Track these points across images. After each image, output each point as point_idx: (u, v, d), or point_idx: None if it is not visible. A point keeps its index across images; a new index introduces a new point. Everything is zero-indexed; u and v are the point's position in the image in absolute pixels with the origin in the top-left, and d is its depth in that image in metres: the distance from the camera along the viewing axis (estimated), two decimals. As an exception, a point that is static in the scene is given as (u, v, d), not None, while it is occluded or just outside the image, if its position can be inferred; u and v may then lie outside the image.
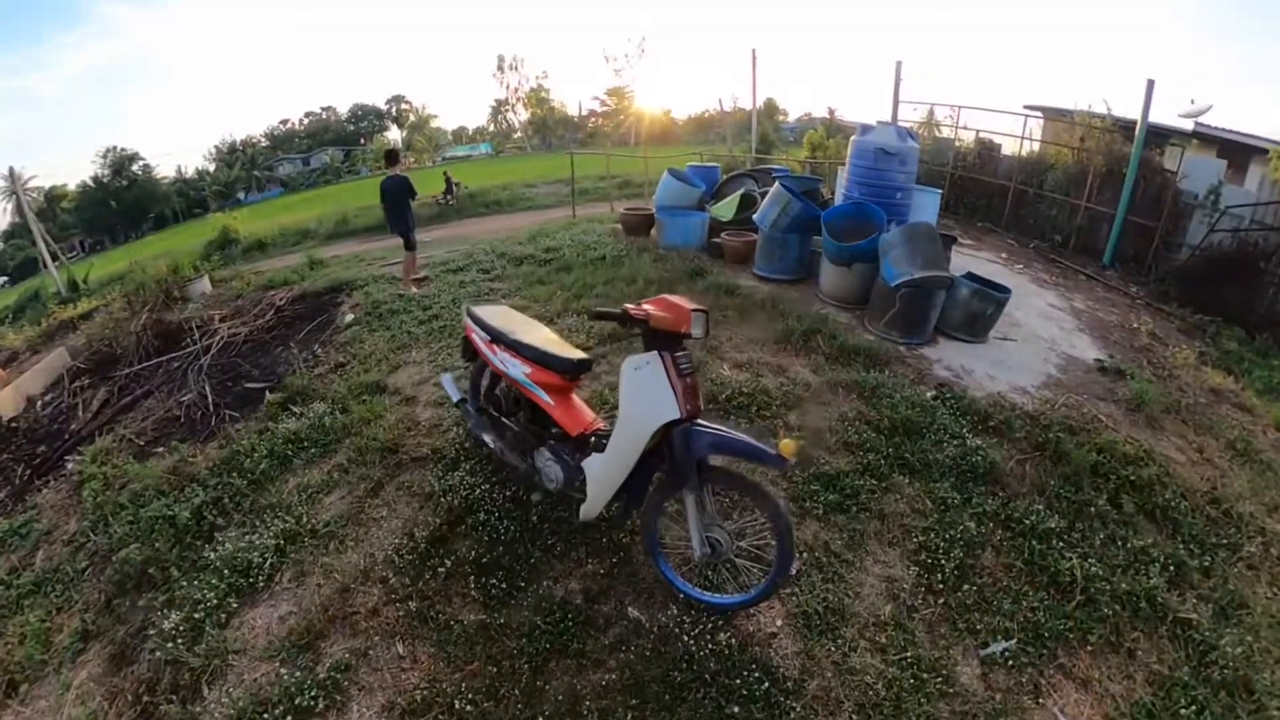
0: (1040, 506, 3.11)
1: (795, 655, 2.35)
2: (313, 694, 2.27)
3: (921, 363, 4.54)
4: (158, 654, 2.60)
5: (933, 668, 2.32)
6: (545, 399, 2.75)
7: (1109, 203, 8.56)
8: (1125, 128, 9.04)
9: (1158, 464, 3.52)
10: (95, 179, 47.76)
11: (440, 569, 2.73)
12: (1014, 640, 2.45)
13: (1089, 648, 2.47)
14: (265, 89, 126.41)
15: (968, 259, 7.49)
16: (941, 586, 2.65)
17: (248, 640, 2.60)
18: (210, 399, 5.15)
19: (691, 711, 2.15)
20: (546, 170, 24.39)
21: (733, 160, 16.23)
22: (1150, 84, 7.91)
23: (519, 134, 60.22)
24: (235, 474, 3.66)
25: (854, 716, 2.15)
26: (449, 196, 18.26)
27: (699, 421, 2.29)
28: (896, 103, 10.56)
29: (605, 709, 2.17)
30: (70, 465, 4.76)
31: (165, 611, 2.80)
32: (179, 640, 2.61)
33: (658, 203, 7.69)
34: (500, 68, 58.46)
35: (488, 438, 3.10)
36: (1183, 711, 2.24)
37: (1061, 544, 2.90)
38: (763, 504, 2.29)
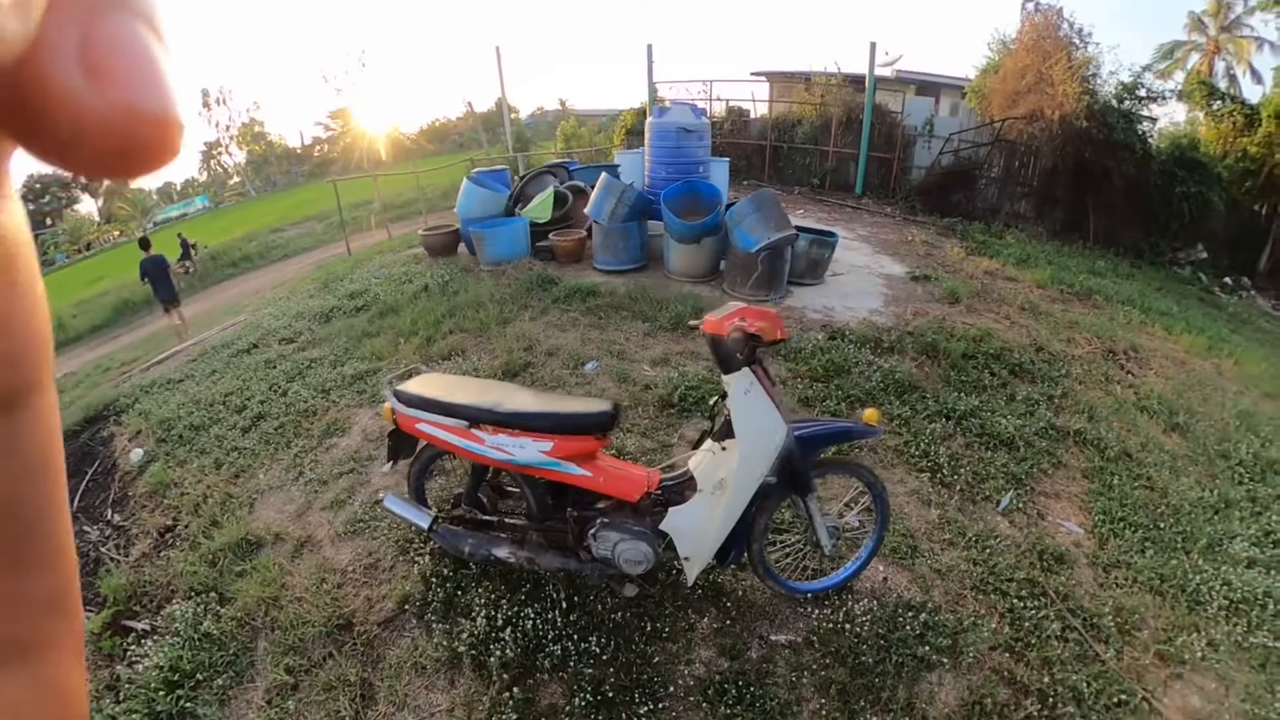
0: (956, 394, 3.50)
1: (910, 583, 2.35)
2: None
3: (794, 313, 4.61)
4: None
5: (986, 535, 2.59)
6: (580, 473, 1.93)
7: (852, 144, 9.62)
8: (853, 82, 10.09)
9: (996, 337, 3.94)
10: None
11: None
12: (1012, 491, 2.86)
13: (1047, 474, 3.04)
14: None
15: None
16: (950, 478, 2.88)
17: None
18: None
19: (894, 677, 1.98)
20: (285, 211, 19.93)
21: (495, 162, 14.80)
22: (873, 45, 8.90)
23: (237, 178, 48.04)
24: None
25: (974, 594, 2.31)
26: (186, 263, 13.80)
27: (793, 424, 1.95)
28: (651, 84, 10.32)
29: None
30: None
31: None
32: None
33: (463, 216, 6.45)
34: (206, 104, 44.86)
35: (502, 553, 2.10)
36: (1109, 482, 2.99)
37: (987, 413, 3.36)
38: (860, 475, 2.14)
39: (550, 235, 6.05)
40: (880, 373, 3.60)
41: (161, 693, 2.17)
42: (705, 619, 2.17)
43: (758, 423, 1.86)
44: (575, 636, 2.07)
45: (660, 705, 1.89)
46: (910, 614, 2.16)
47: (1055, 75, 8.56)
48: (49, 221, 40.01)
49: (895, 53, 13.80)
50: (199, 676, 2.25)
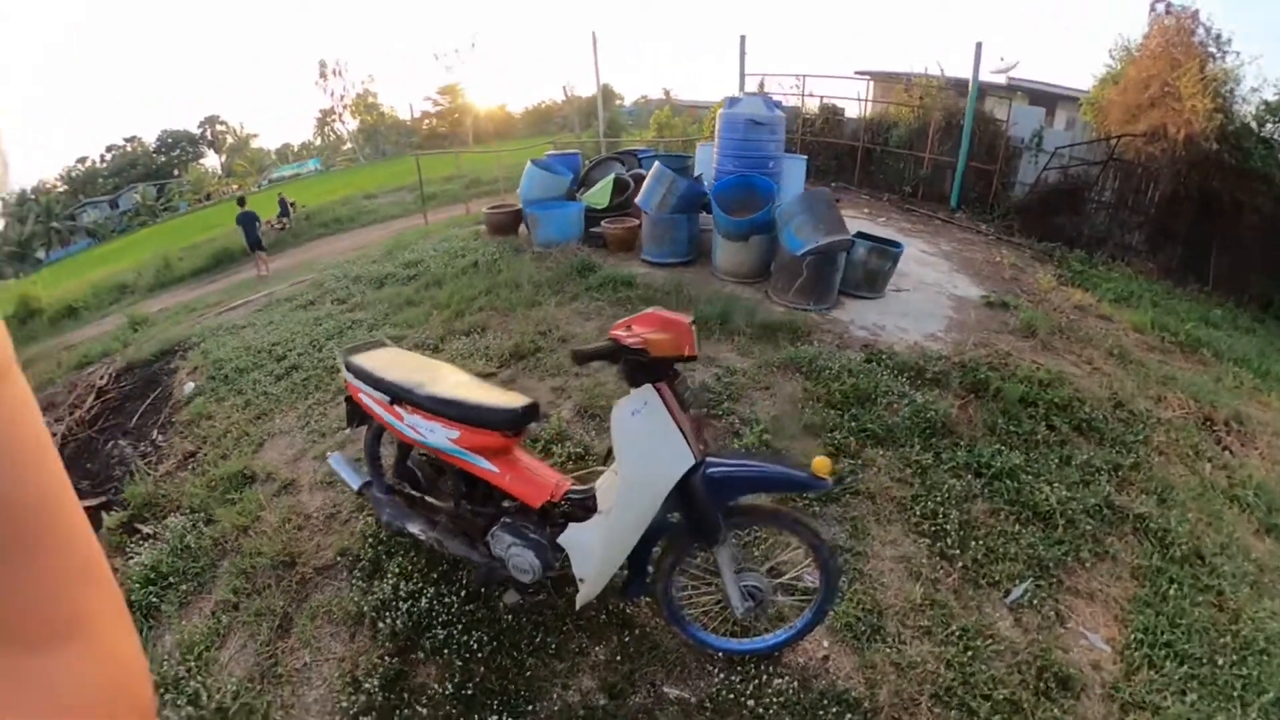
0: (998, 446, 3.21)
1: (855, 670, 2.15)
2: None
3: (838, 327, 4.51)
4: None
5: (977, 632, 2.29)
6: (487, 467, 2.05)
7: (950, 152, 9.33)
8: (956, 85, 9.83)
9: (1069, 384, 3.70)
10: None
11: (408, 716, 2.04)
12: (1029, 580, 2.52)
13: (1084, 564, 2.65)
14: (52, 125, 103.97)
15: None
16: (953, 550, 2.61)
17: None
18: None
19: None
20: (384, 179, 22.27)
21: (585, 147, 15.65)
22: (979, 46, 8.64)
23: (349, 145, 54.51)
24: None
25: (932, 705, 2.04)
26: (284, 220, 16.01)
27: (710, 460, 1.83)
28: (743, 76, 10.57)
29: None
30: None
31: None
32: None
33: (524, 197, 7.01)
34: (323, 74, 51.98)
35: (415, 529, 2.33)
36: (1164, 589, 2.54)
37: (1028, 476, 3.03)
38: (799, 532, 1.94)
39: (603, 222, 6.41)
40: (911, 408, 3.42)
41: (139, 586, 2.76)
42: (600, 647, 2.19)
43: (644, 450, 1.76)
44: (461, 626, 2.28)
45: (521, 710, 2.01)
46: (837, 711, 1.97)
47: (1183, 88, 7.64)
48: (175, 172, 48.03)
49: (1011, 59, 13.00)
50: (171, 580, 2.82)
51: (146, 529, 3.29)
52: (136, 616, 2.66)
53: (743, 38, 10.58)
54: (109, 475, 4.30)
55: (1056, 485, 2.99)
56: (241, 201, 12.12)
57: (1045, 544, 2.68)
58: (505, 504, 2.16)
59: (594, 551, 1.88)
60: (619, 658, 2.15)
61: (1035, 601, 2.44)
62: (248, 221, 11.33)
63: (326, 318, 6.07)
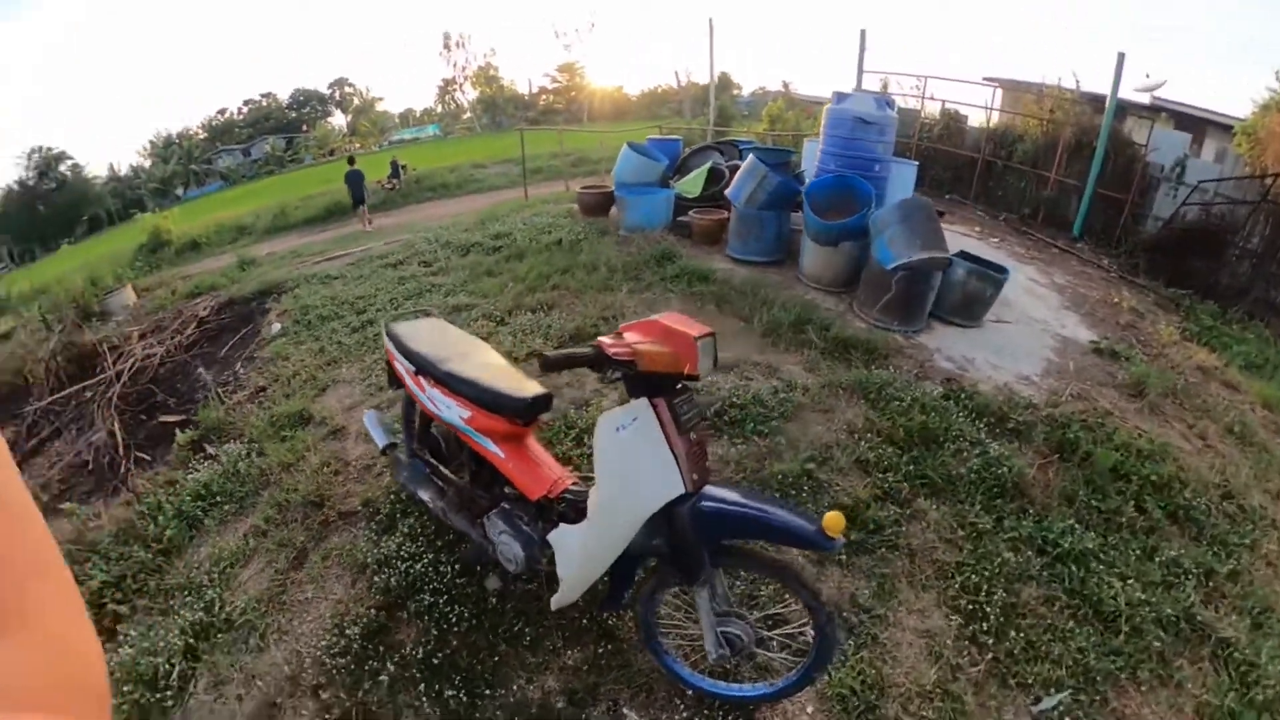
0: (1072, 522, 2.78)
1: None
2: None
3: (921, 353, 4.16)
4: None
5: None
6: (494, 450, 2.09)
7: (1078, 175, 8.50)
8: (1092, 100, 8.96)
9: (1173, 459, 3.26)
10: (20, 183, 44.01)
11: (383, 675, 2.14)
12: (1067, 691, 2.13)
13: (1140, 685, 2.22)
14: (200, 78, 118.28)
15: (945, 234, 7.23)
16: (986, 637, 2.26)
17: None
18: (120, 439, 4.46)
19: None
20: (496, 150, 23.31)
21: (692, 134, 15.59)
22: (1121, 56, 7.78)
23: (468, 114, 58.07)
24: (140, 544, 2.95)
25: None
26: (394, 181, 17.24)
27: (711, 491, 1.69)
28: (861, 72, 10.16)
29: None
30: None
31: None
32: None
33: (617, 179, 7.10)
34: (447, 45, 55.98)
35: (425, 496, 2.44)
36: None
37: (1100, 565, 2.61)
38: (796, 590, 1.75)
39: (691, 212, 6.36)
40: (982, 459, 3.04)
41: (190, 499, 3.15)
42: (574, 652, 2.18)
43: (625, 470, 1.67)
44: (448, 597, 2.36)
45: (470, 699, 2.04)
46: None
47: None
48: (304, 128, 53.42)
49: (1157, 77, 11.34)
50: (218, 499, 3.18)
51: (210, 449, 3.67)
52: (181, 526, 3.02)
53: (863, 32, 10.17)
54: (191, 397, 4.81)
55: (1131, 582, 2.52)
56: (351, 160, 13.36)
57: (1099, 651, 2.26)
58: (507, 490, 2.20)
59: (574, 557, 1.85)
60: (588, 667, 2.13)
61: (1067, 717, 2.06)
62: (355, 179, 12.78)
63: (410, 278, 6.48)
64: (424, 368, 2.26)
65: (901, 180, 5.90)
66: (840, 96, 5.52)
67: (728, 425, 3.30)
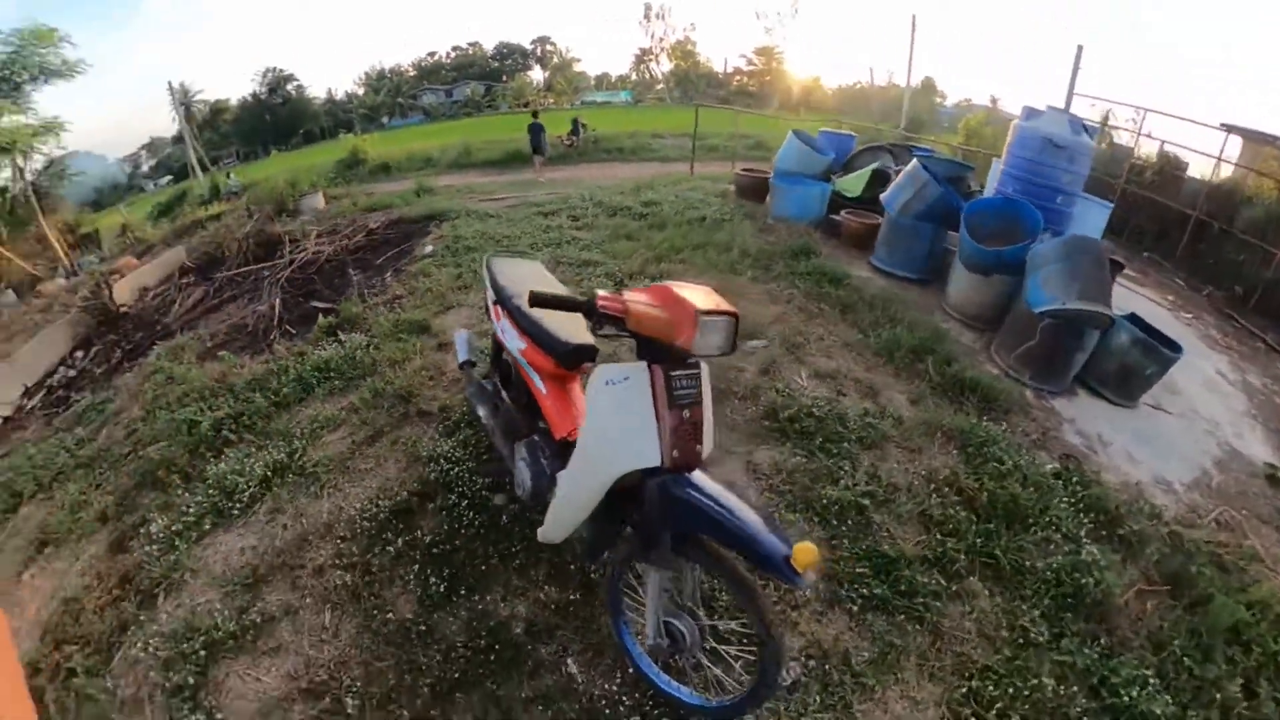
0: (1150, 673, 2.30)
1: None
2: (232, 637, 2.32)
3: (1049, 419, 3.72)
4: (138, 553, 2.83)
5: None
6: (539, 385, 2.37)
7: None
8: None
9: None
10: (254, 95, 53.79)
11: (391, 547, 2.60)
12: None
13: None
14: (416, 21, 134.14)
15: (1128, 294, 6.26)
16: None
17: (208, 563, 2.70)
18: (277, 313, 5.39)
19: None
20: (681, 123, 23.80)
21: (875, 134, 14.86)
22: None
23: (661, 85, 59.92)
24: (261, 393, 3.82)
25: None
26: (573, 138, 18.39)
27: (694, 477, 1.69)
28: (1071, 94, 9.11)
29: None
30: (151, 355, 5.17)
31: (158, 515, 3.02)
32: (155, 546, 2.81)
33: (777, 166, 7.10)
34: (647, 15, 58.23)
35: (481, 412, 2.80)
36: None
37: None
38: (751, 614, 1.69)
39: (844, 211, 6.21)
40: (1068, 560, 2.63)
41: (310, 370, 3.96)
42: (552, 589, 2.39)
43: (605, 426, 1.73)
44: (469, 502, 2.75)
45: (447, 592, 2.38)
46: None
47: None
48: (504, 78, 58.67)
49: None
50: (331, 375, 3.96)
51: (341, 336, 4.42)
52: (297, 388, 3.83)
53: (1079, 48, 9.07)
54: (342, 291, 5.67)
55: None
56: (535, 114, 15.65)
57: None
58: (541, 425, 2.45)
59: (561, 498, 2.00)
60: (556, 608, 2.33)
61: None
62: (536, 131, 14.87)
63: (555, 228, 7.05)
64: (501, 299, 2.59)
65: (1089, 221, 5.16)
66: (1031, 113, 5.01)
67: (797, 434, 3.24)
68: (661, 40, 59.06)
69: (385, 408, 3.52)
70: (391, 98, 55.67)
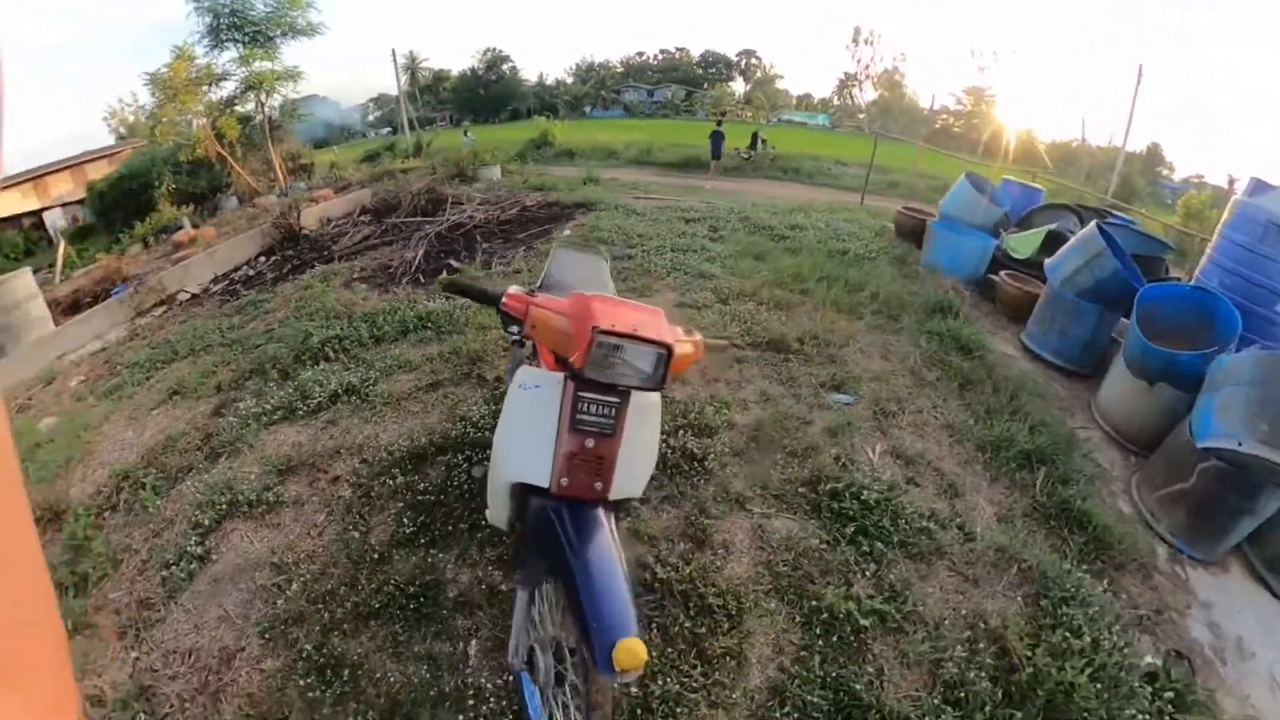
0: None
1: None
2: (249, 504, 2.78)
3: (1176, 594, 2.76)
4: (224, 421, 3.51)
5: None
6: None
7: None
8: None
9: None
10: (472, 70, 60.55)
11: (392, 481, 2.80)
12: None
13: None
14: (631, 19, 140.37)
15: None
16: None
17: (264, 445, 3.22)
18: (416, 262, 5.82)
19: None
20: (867, 153, 23.04)
21: (1075, 197, 12.98)
22: None
23: (862, 114, 57.53)
24: (368, 325, 4.29)
25: None
26: (750, 152, 18.21)
27: (581, 512, 1.53)
28: None
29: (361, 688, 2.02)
30: (309, 273, 5.84)
31: (251, 399, 3.65)
32: (236, 420, 3.46)
33: (941, 209, 6.42)
34: (855, 39, 56.07)
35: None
36: None
37: None
38: (588, 691, 1.47)
39: (1003, 272, 5.43)
40: None
41: (414, 318, 4.38)
42: (496, 575, 2.36)
43: (509, 429, 1.59)
44: (470, 463, 2.87)
45: (412, 536, 2.50)
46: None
47: None
48: (704, 85, 59.38)
49: None
50: (428, 326, 4.36)
51: (452, 295, 4.64)
52: (397, 330, 4.23)
53: None
54: (472, 255, 5.97)
55: None
56: (718, 122, 16.62)
57: None
58: None
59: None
60: (490, 591, 2.30)
61: None
62: (716, 138, 15.92)
63: (690, 235, 6.97)
64: (541, 285, 2.60)
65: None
66: (1260, 187, 3.94)
67: (831, 514, 2.69)
68: (867, 67, 56.74)
69: (455, 364, 3.75)
70: (596, 89, 59.10)
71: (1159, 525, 3.07)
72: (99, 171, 20.87)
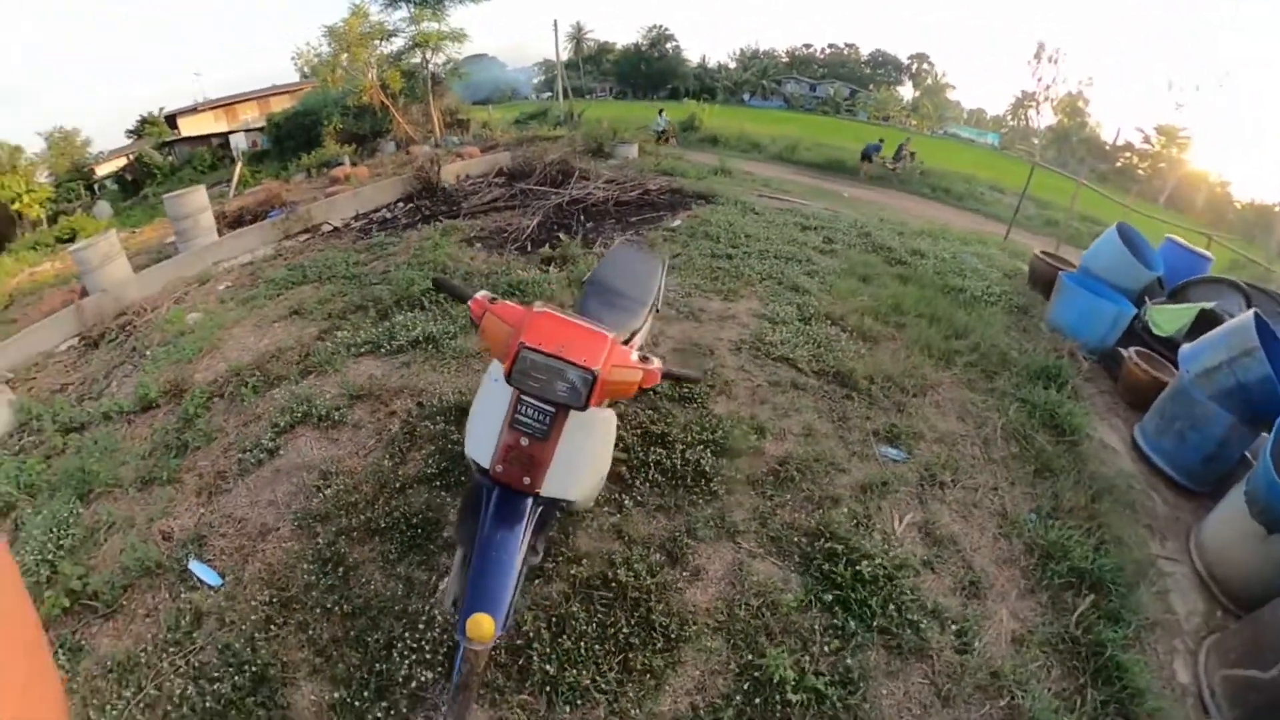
0: None
1: None
2: (319, 418, 3.25)
3: None
4: (324, 344, 4.04)
5: None
6: None
7: None
8: None
9: None
10: (636, 45, 59.90)
11: (434, 427, 3.12)
12: None
13: None
14: (798, 10, 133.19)
15: None
16: None
17: (348, 371, 3.70)
18: (528, 231, 6.02)
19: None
20: (1038, 184, 21.00)
21: (1260, 274, 10.76)
22: None
23: (1036, 140, 51.22)
24: (463, 282, 4.64)
25: None
26: (896, 164, 17.04)
27: (510, 499, 1.70)
28: None
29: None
30: (434, 225, 6.24)
31: (349, 329, 4.17)
32: (331, 345, 3.98)
33: (1082, 262, 5.64)
34: (1037, 56, 49.20)
35: None
36: None
37: None
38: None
39: (1133, 348, 4.67)
40: None
41: (504, 282, 4.78)
42: None
43: (475, 409, 1.79)
44: None
45: (409, 505, 2.68)
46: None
47: None
48: (870, 86, 55.58)
49: None
50: (516, 291, 4.64)
51: (547, 268, 5.10)
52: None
53: None
54: (584, 230, 6.13)
55: None
56: (878, 138, 17.33)
57: None
58: None
59: None
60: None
61: None
62: (870, 149, 16.44)
63: (801, 244, 6.63)
64: (590, 277, 2.74)
65: None
66: None
67: (818, 574, 2.44)
68: (1048, 87, 50.09)
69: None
70: (758, 77, 57.30)
71: (1216, 713, 2.43)
72: (280, 105, 23.79)
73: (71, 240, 14.81)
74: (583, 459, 1.75)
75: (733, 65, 60.87)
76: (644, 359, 1.74)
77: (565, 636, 2.13)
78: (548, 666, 2.03)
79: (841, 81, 57.62)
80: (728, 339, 4.19)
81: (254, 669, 2.06)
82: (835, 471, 3.06)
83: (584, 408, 1.60)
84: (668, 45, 60.07)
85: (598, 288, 2.55)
